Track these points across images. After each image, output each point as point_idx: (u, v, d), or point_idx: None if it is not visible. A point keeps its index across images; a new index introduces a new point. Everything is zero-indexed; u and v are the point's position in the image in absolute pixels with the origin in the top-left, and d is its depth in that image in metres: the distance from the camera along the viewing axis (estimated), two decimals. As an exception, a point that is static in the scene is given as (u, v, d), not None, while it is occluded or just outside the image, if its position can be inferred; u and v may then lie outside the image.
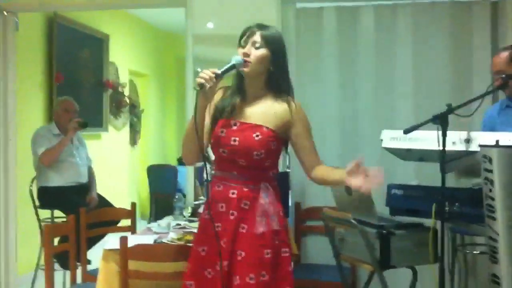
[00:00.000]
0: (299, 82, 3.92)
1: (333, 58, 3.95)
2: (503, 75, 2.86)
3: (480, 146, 2.26)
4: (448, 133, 2.35)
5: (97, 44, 6.62)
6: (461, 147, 2.41)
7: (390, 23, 3.90)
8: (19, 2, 4.43)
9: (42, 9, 5.02)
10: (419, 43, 3.84)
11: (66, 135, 4.48)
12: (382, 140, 2.65)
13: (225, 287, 2.20)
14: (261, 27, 2.24)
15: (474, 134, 2.42)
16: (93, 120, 5.93)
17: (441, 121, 2.36)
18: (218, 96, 2.35)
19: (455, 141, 2.41)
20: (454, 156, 2.43)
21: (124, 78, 7.42)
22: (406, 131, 2.41)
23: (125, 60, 7.48)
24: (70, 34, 5.89)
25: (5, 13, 4.09)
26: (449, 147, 2.35)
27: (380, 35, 3.89)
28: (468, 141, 2.41)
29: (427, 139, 2.48)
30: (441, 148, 2.32)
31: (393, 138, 2.58)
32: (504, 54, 2.95)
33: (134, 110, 8.05)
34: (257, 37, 2.21)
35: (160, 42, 8.82)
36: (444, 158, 2.31)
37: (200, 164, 2.41)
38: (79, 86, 6.13)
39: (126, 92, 7.47)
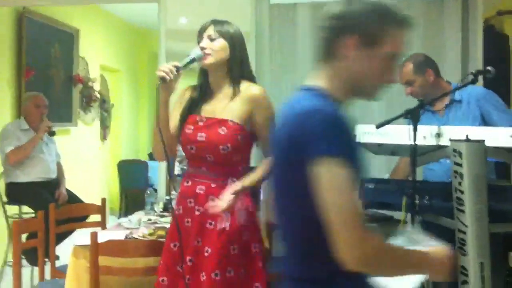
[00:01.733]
0: (273, 77, 3.92)
1: (307, 53, 3.96)
2: (420, 99, 2.89)
3: (451, 140, 2.28)
4: (419, 127, 2.37)
5: (67, 39, 6.51)
6: (431, 141, 2.43)
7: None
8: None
9: (11, 4, 4.91)
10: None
11: (36, 131, 4.41)
12: (355, 135, 2.66)
13: (188, 284, 2.19)
14: (213, 21, 2.30)
15: (444, 129, 2.44)
16: (62, 114, 5.84)
17: (412, 116, 2.38)
18: (186, 95, 2.38)
19: (426, 135, 2.43)
20: (425, 150, 2.45)
21: (94, 73, 7.33)
22: (379, 126, 2.43)
23: (96, 55, 7.38)
24: (40, 29, 5.78)
25: (-28, 6, 4.00)
26: (420, 141, 2.37)
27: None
28: (438, 135, 2.43)
29: (398, 134, 2.50)
30: (412, 142, 2.34)
31: (365, 133, 2.59)
32: (409, 65, 2.99)
33: (104, 105, 7.95)
34: (210, 30, 2.27)
35: (132, 38, 8.74)
36: (415, 152, 2.33)
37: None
38: (49, 81, 6.02)
39: (97, 87, 7.38)
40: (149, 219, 3.34)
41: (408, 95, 3.03)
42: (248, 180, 2.24)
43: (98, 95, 7.40)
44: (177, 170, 4.25)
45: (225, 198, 2.14)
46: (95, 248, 2.58)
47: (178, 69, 2.20)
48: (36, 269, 4.11)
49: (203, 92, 2.34)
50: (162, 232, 2.89)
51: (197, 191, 2.26)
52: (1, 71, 5.21)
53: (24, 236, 3.65)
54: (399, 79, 3.04)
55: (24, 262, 3.36)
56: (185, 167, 4.14)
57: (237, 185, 2.19)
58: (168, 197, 3.71)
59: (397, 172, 3.07)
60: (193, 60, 2.24)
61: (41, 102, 4.56)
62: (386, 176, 3.02)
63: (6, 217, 4.51)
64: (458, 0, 3.91)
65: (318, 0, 4.08)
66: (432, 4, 3.92)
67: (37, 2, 5.16)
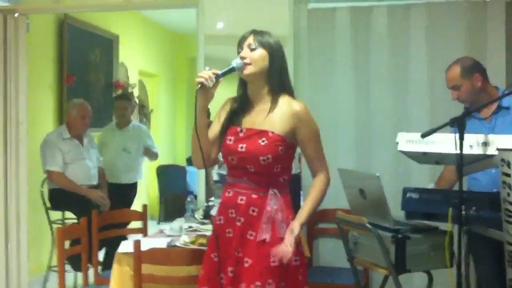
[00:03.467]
0: (312, 83, 3.89)
1: (346, 59, 3.91)
2: (466, 107, 2.88)
3: (498, 149, 2.22)
4: (465, 136, 2.32)
5: (107, 45, 6.62)
6: (478, 150, 2.37)
7: (404, 24, 3.86)
8: (30, 3, 4.43)
9: (52, 11, 5.01)
10: (434, 44, 3.80)
11: (77, 139, 4.49)
12: (398, 143, 2.62)
13: None
14: (253, 31, 2.30)
15: (491, 138, 2.38)
16: (103, 120, 5.92)
17: (459, 124, 2.33)
18: (226, 107, 2.40)
19: (473, 144, 2.38)
20: (471, 159, 2.39)
21: (133, 78, 7.42)
22: (424, 135, 2.38)
23: (135, 60, 7.48)
24: (80, 35, 5.88)
25: (16, 15, 4.09)
26: (466, 150, 2.32)
27: (394, 36, 3.85)
28: (485, 144, 2.38)
29: (443, 142, 2.44)
30: (458, 151, 2.28)
31: (409, 141, 2.55)
32: (456, 69, 2.92)
33: (143, 111, 8.05)
34: (250, 39, 2.27)
35: (170, 43, 8.83)
36: (462, 162, 2.27)
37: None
38: (89, 87, 6.13)
39: (136, 92, 7.47)
40: (190, 226, 3.36)
41: (454, 100, 2.96)
42: (303, 215, 2.26)
43: (138, 101, 7.50)
44: (215, 176, 4.27)
45: (289, 244, 2.17)
46: (138, 256, 2.62)
47: (217, 76, 2.23)
48: (79, 274, 4.19)
49: (243, 103, 2.35)
50: (203, 240, 2.91)
51: (238, 201, 2.26)
52: (44, 77, 5.32)
53: (67, 242, 3.72)
54: (446, 83, 2.98)
55: (67, 267, 3.42)
56: (222, 172, 4.17)
57: (295, 228, 2.21)
58: (207, 204, 3.73)
59: (441, 181, 3.00)
60: (232, 69, 2.26)
61: (86, 112, 4.60)
62: (430, 185, 2.96)
63: (50, 222, 4.59)
64: (502, 2, 3.82)
65: (357, 5, 4.03)
66: (475, 6, 3.83)
67: (78, 9, 5.24)
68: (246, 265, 2.21)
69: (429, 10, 3.84)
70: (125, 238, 4.09)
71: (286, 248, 2.16)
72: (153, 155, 5.46)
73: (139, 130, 5.43)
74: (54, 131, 4.69)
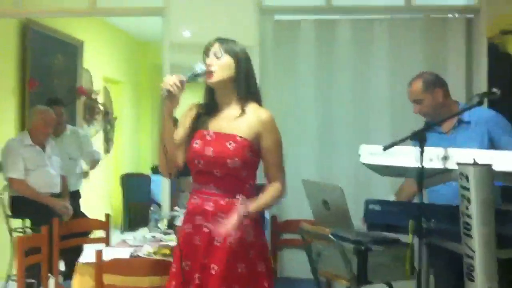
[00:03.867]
0: (276, 93, 3.93)
1: (310, 70, 3.98)
2: (426, 121, 2.96)
3: (458, 164, 2.28)
4: (426, 149, 2.37)
5: (71, 50, 6.54)
6: (438, 164, 2.43)
7: (367, 37, 3.94)
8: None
9: (15, 16, 4.93)
10: (396, 58, 3.89)
11: (39, 146, 4.41)
12: (360, 155, 2.66)
13: None
14: (219, 39, 2.33)
15: (451, 151, 2.44)
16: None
17: (419, 138, 2.38)
18: (192, 111, 2.40)
19: (432, 158, 2.43)
20: (432, 173, 2.45)
21: (98, 85, 7.34)
22: (385, 148, 2.42)
23: (99, 67, 7.40)
24: (44, 40, 5.80)
25: (-22, 19, 4.02)
26: (426, 164, 2.37)
27: (357, 49, 3.93)
28: (445, 158, 2.43)
29: (405, 155, 2.49)
30: (419, 165, 2.33)
31: (371, 154, 2.59)
32: (419, 83, 2.98)
33: (108, 118, 7.96)
34: (216, 47, 2.30)
35: (134, 50, 8.77)
36: (423, 176, 2.32)
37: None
38: (53, 93, 6.02)
39: (100, 99, 7.39)
40: (154, 236, 3.33)
41: (416, 113, 3.03)
42: (256, 205, 2.25)
43: (102, 107, 7.41)
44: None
45: (232, 221, 2.15)
46: (100, 266, 2.58)
47: (182, 82, 2.25)
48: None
49: (210, 108, 2.36)
50: (166, 251, 2.89)
51: (206, 207, 2.26)
52: (6, 81, 5.23)
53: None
54: (408, 96, 3.04)
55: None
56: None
57: (244, 208, 2.20)
58: (172, 214, 3.71)
59: (401, 193, 3.06)
60: (197, 75, 2.28)
61: (50, 119, 4.50)
62: (391, 197, 3.01)
63: (10, 230, 4.50)
64: (462, 19, 3.93)
65: (322, 17, 4.10)
66: (436, 22, 3.94)
67: (41, 14, 5.17)
68: (212, 271, 2.20)
69: (392, 25, 3.93)
70: (81, 248, 4.05)
71: (225, 225, 2.16)
72: (94, 162, 5.26)
73: (77, 135, 5.13)
74: (16, 138, 4.60)
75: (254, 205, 2.24)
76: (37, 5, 4.86)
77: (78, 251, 4.02)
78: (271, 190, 2.29)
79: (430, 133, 2.67)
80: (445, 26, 3.91)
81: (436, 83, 2.98)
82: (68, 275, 3.82)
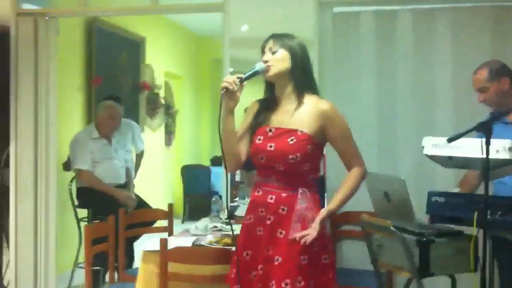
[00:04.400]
0: (336, 86, 3.90)
1: (370, 62, 3.92)
2: (491, 112, 2.89)
3: (524, 154, 2.22)
4: (492, 141, 2.32)
5: (134, 47, 6.72)
6: (504, 155, 2.37)
7: (429, 27, 3.85)
8: (60, 7, 4.53)
9: (82, 14, 5.11)
10: (459, 48, 3.78)
11: (106, 139, 4.56)
12: (423, 147, 2.63)
13: None
14: (273, 35, 2.37)
15: (518, 143, 2.37)
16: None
17: (485, 129, 2.33)
18: (254, 108, 2.45)
19: (499, 149, 2.37)
20: (497, 164, 2.39)
21: (159, 80, 7.52)
22: (450, 140, 2.38)
23: (160, 62, 7.58)
24: (108, 38, 5.99)
25: (47, 18, 4.18)
26: (492, 155, 2.32)
27: (419, 39, 3.84)
28: None
29: (469, 147, 2.44)
30: (484, 156, 2.28)
31: (434, 145, 2.55)
32: (484, 71, 2.91)
33: (169, 111, 8.15)
34: (270, 43, 2.34)
35: (194, 45, 8.93)
36: (488, 167, 2.27)
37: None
38: (117, 88, 6.22)
39: (162, 93, 7.57)
40: (215, 226, 3.40)
41: (480, 102, 2.96)
42: (334, 203, 2.32)
43: (163, 101, 7.59)
44: (237, 177, 4.30)
45: (315, 227, 2.23)
46: (164, 255, 2.66)
47: (241, 80, 2.30)
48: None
49: (271, 104, 2.40)
50: (228, 240, 2.95)
51: (268, 200, 2.31)
52: (73, 78, 5.43)
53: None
54: (472, 85, 2.97)
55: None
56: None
57: (323, 212, 2.28)
58: (232, 205, 3.77)
59: (464, 185, 3.00)
60: (256, 73, 2.33)
61: (115, 114, 4.66)
62: (455, 189, 2.95)
63: (78, 220, 4.68)
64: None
65: (382, 8, 4.04)
66: (501, 10, 3.80)
67: (106, 13, 5.34)
68: (276, 263, 2.24)
69: (454, 14, 3.82)
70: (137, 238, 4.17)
71: (310, 230, 2.22)
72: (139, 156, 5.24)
73: (131, 127, 5.07)
74: (83, 130, 4.78)
75: (332, 203, 2.33)
76: (103, 3, 5.03)
77: (133, 241, 4.16)
78: (349, 180, 2.36)
79: (495, 124, 2.61)
80: (510, 12, 3.76)
81: (502, 71, 2.90)
82: (126, 264, 3.93)
